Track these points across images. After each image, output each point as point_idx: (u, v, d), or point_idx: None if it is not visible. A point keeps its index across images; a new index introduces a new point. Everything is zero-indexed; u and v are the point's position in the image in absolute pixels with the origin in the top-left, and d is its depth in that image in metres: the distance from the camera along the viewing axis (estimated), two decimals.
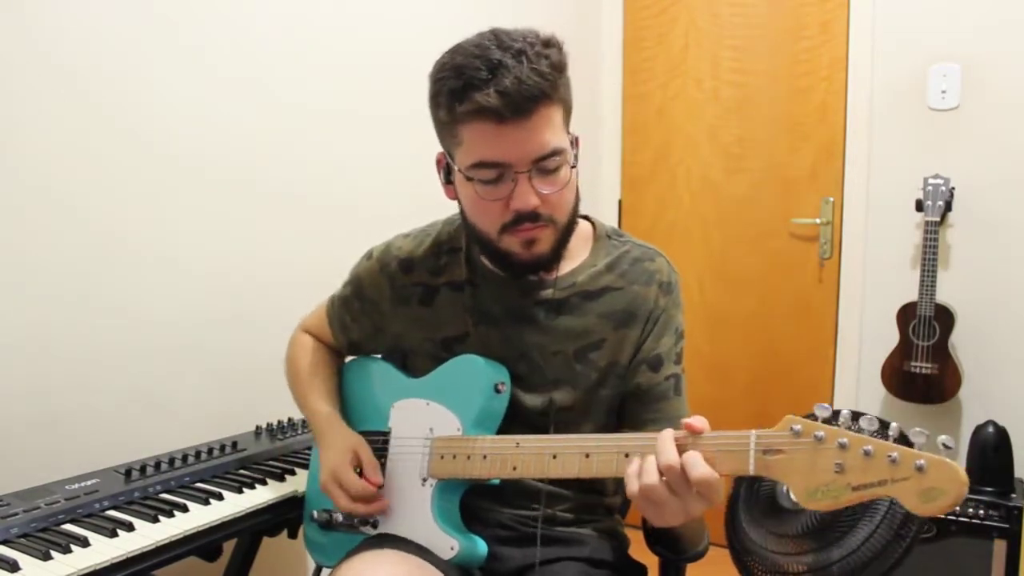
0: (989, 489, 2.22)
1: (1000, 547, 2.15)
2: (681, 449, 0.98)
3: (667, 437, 0.99)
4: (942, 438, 0.77)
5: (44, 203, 1.56)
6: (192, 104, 1.78)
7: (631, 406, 1.29)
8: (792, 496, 0.84)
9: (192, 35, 1.78)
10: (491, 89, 1.07)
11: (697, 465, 0.94)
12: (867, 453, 0.80)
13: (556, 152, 1.14)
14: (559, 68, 1.12)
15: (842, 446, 0.83)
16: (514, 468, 1.14)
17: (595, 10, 3.10)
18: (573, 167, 1.19)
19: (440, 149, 1.23)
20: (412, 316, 1.35)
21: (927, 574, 2.23)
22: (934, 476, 0.76)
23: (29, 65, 1.52)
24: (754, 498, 1.61)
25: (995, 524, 2.16)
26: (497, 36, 1.12)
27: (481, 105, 1.08)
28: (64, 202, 1.59)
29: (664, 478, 0.97)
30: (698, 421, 0.99)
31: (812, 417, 0.89)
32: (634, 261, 1.30)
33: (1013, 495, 2.21)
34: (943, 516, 2.20)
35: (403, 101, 2.21)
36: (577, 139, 1.20)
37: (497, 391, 1.23)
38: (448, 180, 1.23)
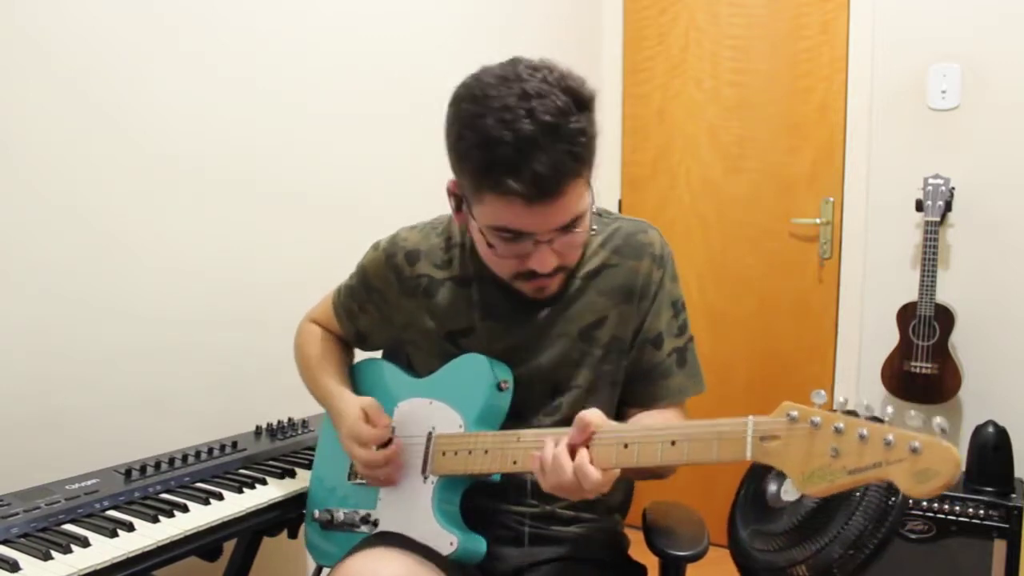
0: (989, 489, 2.22)
1: (1000, 547, 2.15)
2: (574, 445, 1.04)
3: (548, 445, 1.05)
4: (937, 420, 0.77)
5: (44, 203, 1.56)
6: (192, 105, 1.79)
7: (636, 384, 1.30)
8: (788, 483, 0.84)
9: (192, 35, 1.79)
10: (523, 173, 1.03)
11: (559, 470, 1.02)
12: (862, 436, 0.80)
13: (579, 217, 1.13)
14: (592, 137, 1.09)
15: (838, 430, 0.83)
16: (514, 462, 1.14)
17: (595, 10, 3.10)
18: (593, 230, 1.20)
19: (452, 177, 1.19)
20: (418, 308, 1.35)
21: (927, 574, 2.22)
22: (928, 457, 0.76)
23: (29, 65, 1.52)
24: (748, 501, 1.62)
25: (995, 524, 2.16)
26: (525, 92, 1.05)
27: (510, 189, 1.05)
28: (64, 202, 1.59)
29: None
30: (591, 415, 1.04)
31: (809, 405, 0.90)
32: (627, 236, 1.31)
33: (1013, 495, 2.20)
34: (943, 516, 2.20)
35: (403, 101, 2.22)
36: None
37: (500, 389, 1.24)
38: (459, 209, 1.21)
